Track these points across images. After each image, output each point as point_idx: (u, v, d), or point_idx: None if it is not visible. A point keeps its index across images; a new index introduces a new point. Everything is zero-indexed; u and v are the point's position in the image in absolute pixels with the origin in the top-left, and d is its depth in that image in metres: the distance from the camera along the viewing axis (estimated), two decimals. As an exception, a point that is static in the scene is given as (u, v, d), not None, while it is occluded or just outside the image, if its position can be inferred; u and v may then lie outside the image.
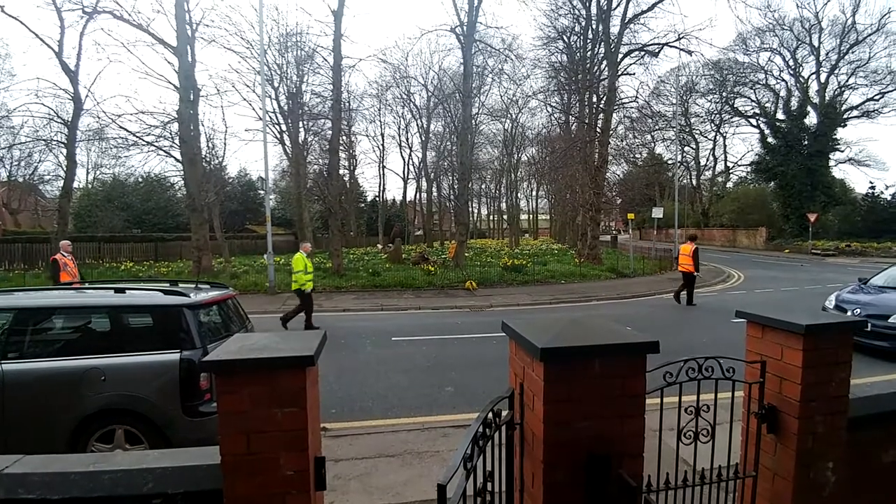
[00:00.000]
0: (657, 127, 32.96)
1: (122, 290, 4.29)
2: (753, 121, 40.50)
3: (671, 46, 22.09)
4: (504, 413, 1.91)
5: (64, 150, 20.59)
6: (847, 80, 35.56)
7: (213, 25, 26.56)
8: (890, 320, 7.06)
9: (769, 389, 2.36)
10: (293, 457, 1.67)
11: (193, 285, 4.84)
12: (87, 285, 5.41)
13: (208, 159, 25.45)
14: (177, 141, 19.08)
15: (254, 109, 30.68)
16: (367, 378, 6.50)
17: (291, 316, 9.93)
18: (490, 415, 1.70)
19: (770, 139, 37.78)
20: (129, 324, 4.15)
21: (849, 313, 7.54)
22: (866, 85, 35.29)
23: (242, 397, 1.64)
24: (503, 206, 55.28)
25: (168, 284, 4.86)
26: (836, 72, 35.27)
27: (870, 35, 33.56)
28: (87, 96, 18.93)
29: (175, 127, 18.94)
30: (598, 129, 22.63)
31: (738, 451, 2.52)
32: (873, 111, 35.66)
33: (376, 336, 8.99)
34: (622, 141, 30.55)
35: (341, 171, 27.96)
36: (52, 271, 9.14)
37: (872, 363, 6.71)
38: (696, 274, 12.19)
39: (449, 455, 3.92)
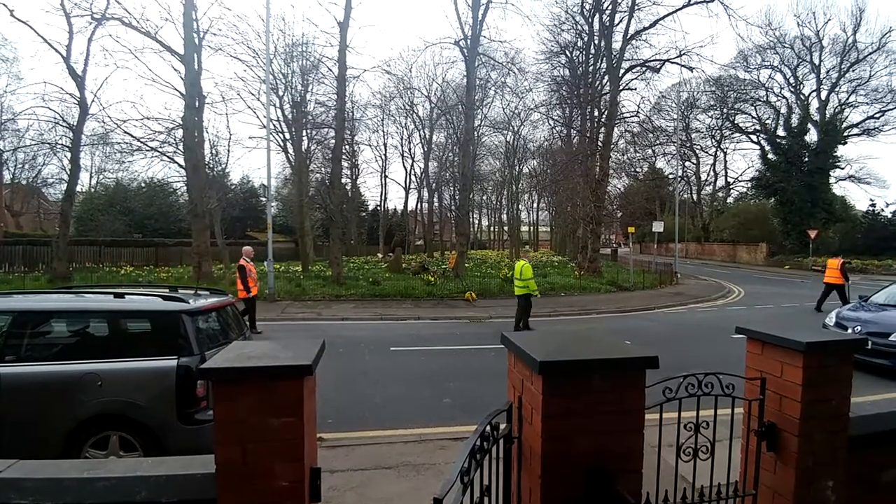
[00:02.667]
0: (658, 142, 33.11)
1: (121, 295, 4.28)
2: (754, 137, 40.76)
3: (672, 63, 22.28)
4: (502, 426, 1.89)
5: (68, 154, 20.70)
6: (847, 98, 35.84)
7: (220, 34, 26.80)
8: (891, 338, 7.03)
9: (769, 407, 2.35)
10: (288, 467, 1.66)
11: (193, 291, 4.84)
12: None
13: (211, 166, 25.58)
14: (181, 147, 19.16)
15: (258, 118, 31.00)
16: (364, 388, 6.46)
17: (520, 318, 10.69)
18: (488, 428, 1.69)
19: (770, 155, 37.96)
20: (127, 329, 4.14)
21: (849, 331, 7.52)
22: (867, 103, 35.57)
23: (239, 405, 1.63)
24: (504, 217, 55.47)
25: (168, 290, 4.85)
26: (836, 90, 35.54)
27: (870, 54, 33.87)
28: (93, 101, 19.04)
29: (179, 133, 19.05)
30: (600, 143, 22.76)
31: (738, 468, 2.50)
32: (874, 129, 35.88)
33: (375, 346, 8.95)
34: (623, 155, 30.71)
35: (343, 180, 28.05)
36: (241, 276, 9.79)
37: (873, 381, 6.67)
38: (846, 284, 13.58)
39: (446, 468, 3.89)
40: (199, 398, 3.82)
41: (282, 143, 29.35)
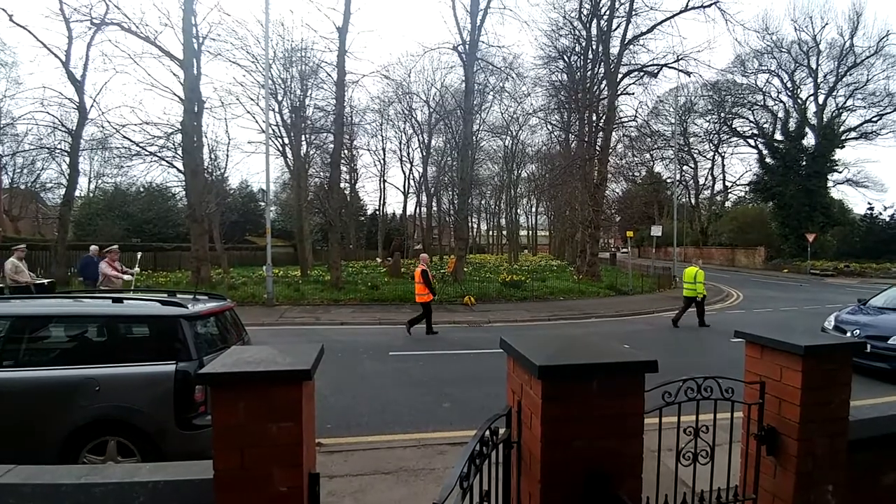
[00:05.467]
0: (656, 146, 33.28)
1: (119, 300, 4.27)
2: (752, 141, 40.92)
3: (670, 67, 22.40)
4: (501, 431, 1.89)
5: (67, 159, 20.73)
6: (845, 102, 36.03)
7: (219, 39, 26.96)
8: (889, 341, 7.03)
9: (768, 410, 2.35)
10: (287, 473, 1.65)
11: (191, 296, 4.82)
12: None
13: (210, 170, 25.55)
14: (179, 152, 19.20)
15: (257, 122, 31.13)
16: (363, 393, 6.45)
17: (679, 316, 11.99)
18: (487, 433, 1.68)
19: (768, 159, 38.09)
20: (125, 334, 4.13)
21: (848, 334, 7.52)
22: (864, 107, 35.75)
23: (237, 411, 1.63)
24: (503, 221, 55.46)
25: (166, 294, 4.84)
26: (834, 94, 35.72)
27: (868, 58, 34.04)
28: (92, 106, 19.10)
29: (178, 138, 19.09)
30: (598, 148, 22.81)
31: (738, 472, 2.49)
32: (871, 133, 36.06)
33: (373, 350, 8.94)
34: (621, 159, 30.71)
35: (342, 185, 28.12)
36: (425, 280, 10.24)
37: (872, 385, 6.67)
38: None
39: (445, 473, 3.87)
40: (197, 403, 3.80)
41: (281, 148, 29.41)
